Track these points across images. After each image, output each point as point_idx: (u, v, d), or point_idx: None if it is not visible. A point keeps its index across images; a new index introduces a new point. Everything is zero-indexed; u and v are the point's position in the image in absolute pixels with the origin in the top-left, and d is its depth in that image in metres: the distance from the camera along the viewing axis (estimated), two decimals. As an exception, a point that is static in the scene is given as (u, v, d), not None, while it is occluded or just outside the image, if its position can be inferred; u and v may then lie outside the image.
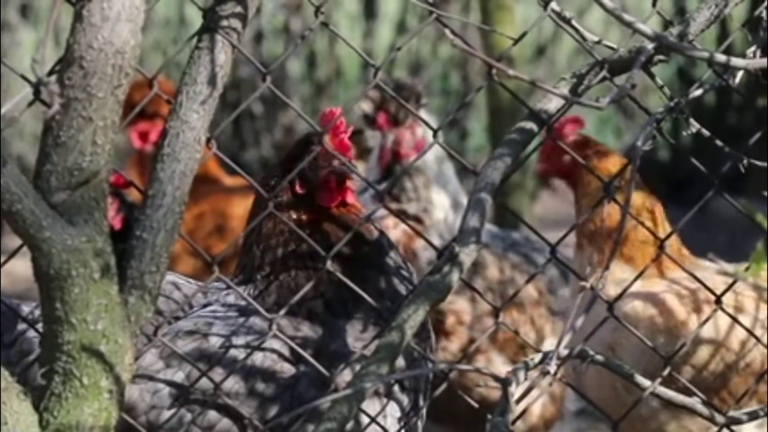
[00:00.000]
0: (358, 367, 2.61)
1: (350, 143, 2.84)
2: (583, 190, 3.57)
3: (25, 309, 2.85)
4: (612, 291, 3.23)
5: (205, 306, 2.82)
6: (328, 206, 2.84)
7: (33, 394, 2.45)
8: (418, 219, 4.29)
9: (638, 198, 3.50)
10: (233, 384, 2.69)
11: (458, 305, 4.29)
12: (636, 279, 3.03)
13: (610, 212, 3.42)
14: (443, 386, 2.75)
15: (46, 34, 2.19)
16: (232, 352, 2.71)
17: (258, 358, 2.71)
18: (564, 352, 2.64)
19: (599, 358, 2.74)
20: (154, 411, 2.71)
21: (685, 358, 3.36)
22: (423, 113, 4.24)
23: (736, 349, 3.41)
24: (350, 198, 2.85)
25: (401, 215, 4.20)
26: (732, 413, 2.85)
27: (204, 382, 2.68)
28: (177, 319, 2.78)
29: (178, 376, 2.71)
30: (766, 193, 2.74)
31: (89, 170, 2.37)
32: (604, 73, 2.73)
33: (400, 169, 4.37)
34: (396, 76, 4.75)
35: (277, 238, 2.83)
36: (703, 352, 3.39)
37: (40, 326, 2.52)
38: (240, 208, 5.15)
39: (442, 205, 4.38)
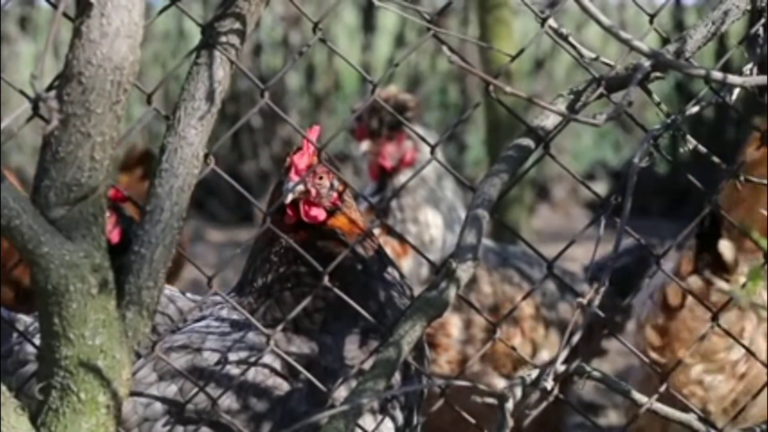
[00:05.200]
0: (354, 382, 2.61)
1: (307, 162, 2.82)
2: None
3: (27, 320, 2.85)
4: None
5: (198, 320, 2.82)
6: (315, 224, 2.85)
7: (30, 408, 2.45)
8: (402, 239, 4.28)
9: None
10: (225, 398, 2.69)
11: (446, 318, 4.29)
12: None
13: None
14: (440, 402, 2.75)
15: (45, 49, 2.19)
16: (225, 366, 2.72)
17: (250, 373, 2.71)
18: (561, 367, 2.64)
19: (596, 373, 2.74)
20: (146, 423, 2.71)
21: None
22: (419, 128, 4.24)
23: None
24: (308, 218, 2.85)
25: (392, 232, 4.20)
26: (728, 429, 2.85)
27: (196, 396, 2.68)
28: (172, 332, 2.79)
29: (171, 390, 2.71)
30: (763, 211, 2.76)
31: (87, 186, 2.37)
32: (601, 89, 2.74)
33: (392, 188, 4.37)
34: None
35: (275, 254, 2.83)
36: None
37: (37, 339, 2.52)
38: None
39: (433, 224, 4.38)
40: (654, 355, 3.89)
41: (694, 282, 3.83)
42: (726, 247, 3.79)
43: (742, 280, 3.79)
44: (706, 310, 3.53)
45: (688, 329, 3.78)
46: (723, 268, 3.81)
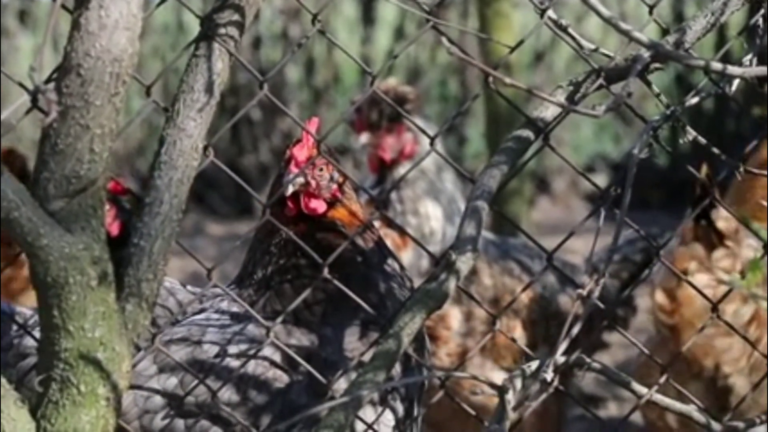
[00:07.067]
0: (354, 374, 2.61)
1: (306, 155, 2.82)
2: None
3: (27, 313, 2.85)
4: None
5: (198, 312, 2.82)
6: (315, 216, 2.84)
7: (30, 401, 2.45)
8: (401, 231, 4.27)
9: None
10: (225, 390, 2.69)
11: (446, 310, 4.29)
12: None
13: None
14: (440, 394, 2.75)
15: (43, 42, 2.19)
16: (225, 359, 2.72)
17: (250, 365, 2.71)
18: (561, 359, 2.64)
19: (596, 365, 2.74)
20: (146, 416, 2.71)
21: None
22: (419, 120, 4.24)
23: None
24: (309, 210, 2.84)
25: (391, 224, 4.20)
26: (728, 421, 2.85)
27: (196, 389, 2.68)
28: (172, 325, 2.79)
29: (171, 382, 2.71)
30: (763, 201, 2.75)
31: (87, 178, 2.37)
32: (600, 81, 2.73)
33: (392, 180, 4.36)
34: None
35: (274, 246, 2.83)
36: None
37: (37, 331, 2.52)
38: None
39: (434, 216, 4.38)
40: (663, 317, 3.96)
41: (695, 248, 3.94)
42: (718, 216, 3.90)
43: (744, 247, 3.89)
44: (708, 277, 3.61)
45: (693, 295, 3.84)
46: (720, 235, 3.94)
